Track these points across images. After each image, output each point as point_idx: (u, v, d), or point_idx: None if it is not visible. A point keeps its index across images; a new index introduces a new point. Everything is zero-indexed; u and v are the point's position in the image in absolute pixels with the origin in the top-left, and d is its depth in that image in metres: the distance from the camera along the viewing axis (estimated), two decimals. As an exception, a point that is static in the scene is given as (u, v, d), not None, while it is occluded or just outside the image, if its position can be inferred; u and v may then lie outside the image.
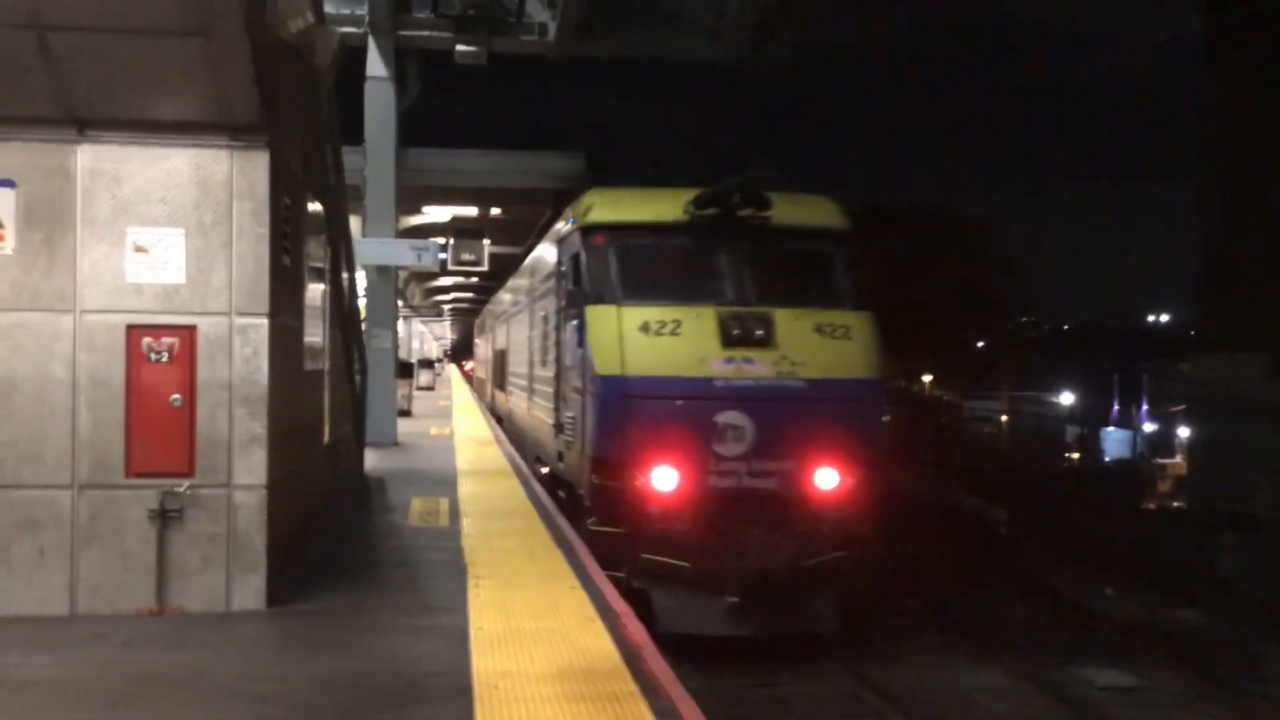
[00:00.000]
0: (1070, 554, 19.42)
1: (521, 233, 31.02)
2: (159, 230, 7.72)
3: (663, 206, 12.21)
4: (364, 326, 18.68)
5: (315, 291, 10.59)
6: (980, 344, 58.82)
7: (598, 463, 11.52)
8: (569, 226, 13.25)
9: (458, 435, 24.01)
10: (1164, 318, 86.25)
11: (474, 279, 41.95)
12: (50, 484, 7.66)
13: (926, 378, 55.17)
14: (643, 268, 11.96)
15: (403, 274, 30.50)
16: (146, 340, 7.70)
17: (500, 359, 25.28)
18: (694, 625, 10.86)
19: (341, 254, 12.59)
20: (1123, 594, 16.69)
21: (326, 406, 11.44)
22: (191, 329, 7.74)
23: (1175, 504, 28.19)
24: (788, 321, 11.62)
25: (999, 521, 20.98)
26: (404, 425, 23.86)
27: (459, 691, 6.30)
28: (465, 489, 15.00)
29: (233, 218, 7.79)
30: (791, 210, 12.34)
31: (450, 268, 26.28)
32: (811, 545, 11.14)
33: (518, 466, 18.24)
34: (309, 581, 8.86)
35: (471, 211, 25.75)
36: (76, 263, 7.68)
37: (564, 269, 13.42)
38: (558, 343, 13.83)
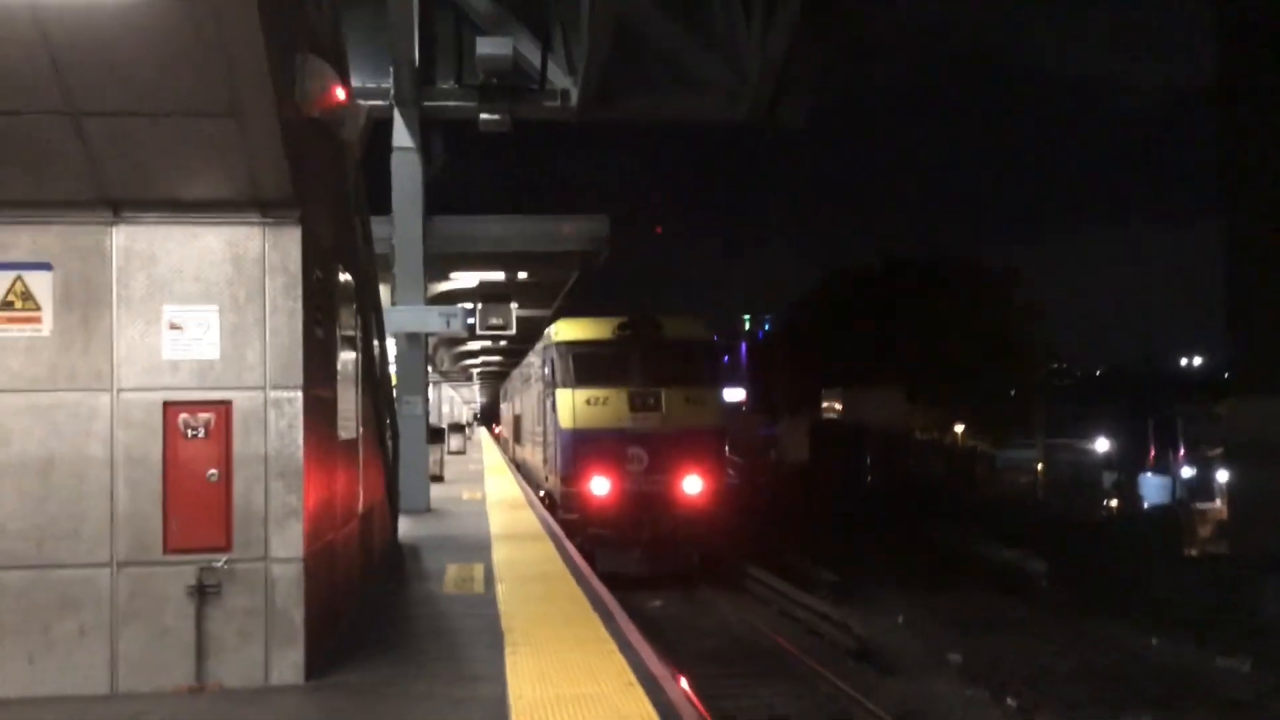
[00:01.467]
0: (1112, 603, 19.13)
1: (548, 296, 31.14)
2: (194, 307, 7.80)
3: (600, 329, 20.45)
4: (395, 393, 18.75)
5: (347, 361, 10.65)
6: (1011, 393, 58.47)
7: (562, 477, 20.02)
8: (546, 341, 21.96)
9: (490, 499, 23.96)
10: (1195, 361, 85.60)
11: (502, 342, 42.13)
12: (89, 562, 7.68)
13: (959, 428, 54.82)
14: (586, 366, 20.07)
15: (432, 340, 30.63)
16: (183, 416, 7.76)
17: (516, 421, 35.11)
18: (619, 567, 18.53)
19: (372, 323, 12.66)
20: (1166, 642, 16.42)
21: (360, 475, 11.46)
22: (227, 404, 7.79)
23: (1216, 550, 27.76)
24: (668, 395, 19.65)
25: (1038, 573, 20.71)
26: (436, 491, 23.83)
27: (499, 763, 6.23)
28: (499, 554, 14.94)
29: (266, 293, 7.87)
30: (674, 327, 20.54)
31: (479, 332, 26.44)
32: (681, 523, 19.24)
33: (551, 530, 18.17)
34: (346, 653, 8.83)
35: (499, 276, 25.86)
36: (113, 341, 7.76)
37: (545, 367, 22.01)
38: (542, 410, 22.51)
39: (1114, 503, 34.07)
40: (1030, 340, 58.73)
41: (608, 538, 18.92)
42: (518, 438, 34.26)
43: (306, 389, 7.93)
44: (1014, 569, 21.23)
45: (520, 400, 32.94)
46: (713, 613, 17.94)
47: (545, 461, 22.31)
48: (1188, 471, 40.05)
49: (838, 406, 53.51)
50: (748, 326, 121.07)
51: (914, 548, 25.73)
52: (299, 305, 7.90)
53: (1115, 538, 24.13)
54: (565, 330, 20.85)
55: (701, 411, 19.61)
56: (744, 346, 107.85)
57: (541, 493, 23.16)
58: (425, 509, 20.74)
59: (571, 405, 19.89)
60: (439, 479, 28.02)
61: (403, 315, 20.37)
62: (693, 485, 19.22)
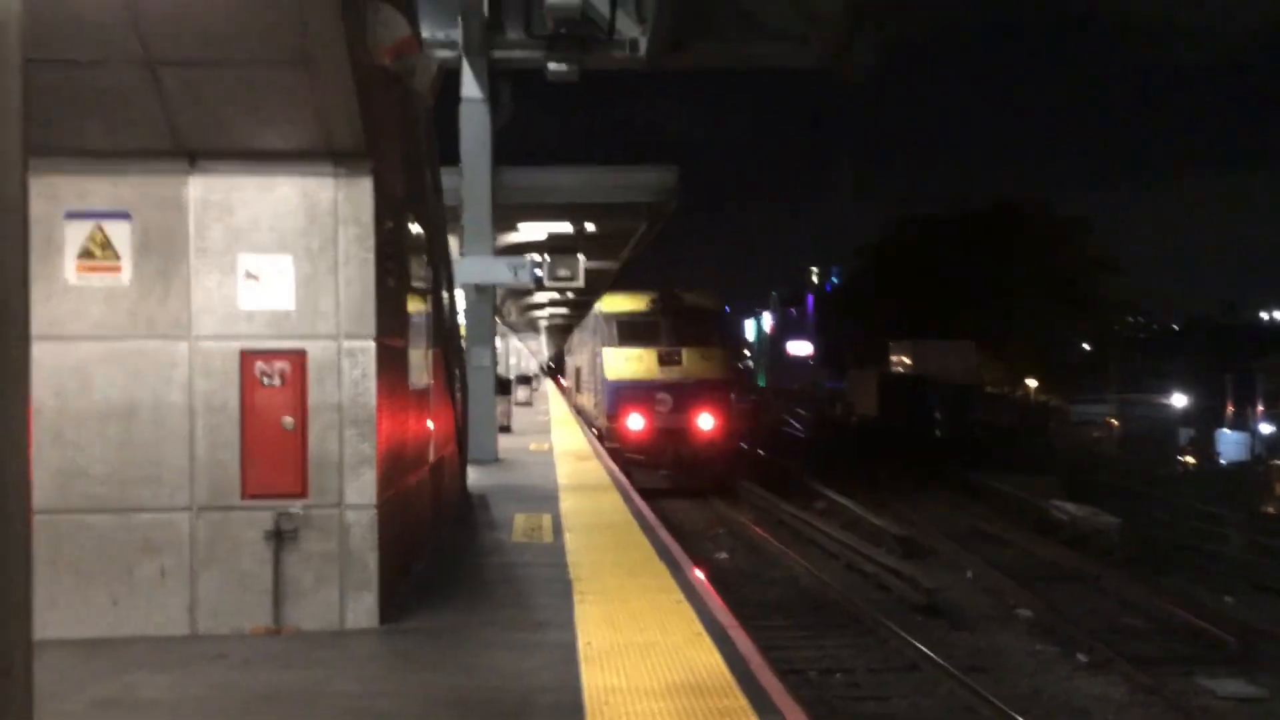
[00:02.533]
0: (1187, 560, 18.87)
1: (616, 247, 31.09)
2: (269, 257, 7.91)
3: (636, 302, 26.39)
4: (464, 344, 18.90)
5: (418, 312, 10.76)
6: (1086, 346, 57.55)
7: (607, 416, 25.86)
8: (596, 311, 28.57)
9: (557, 450, 24.17)
10: (1278, 314, 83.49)
11: (569, 294, 42.22)
12: (170, 507, 7.87)
13: (1031, 383, 54.11)
14: (626, 331, 25.91)
15: (500, 291, 30.80)
16: (259, 365, 7.89)
17: (577, 373, 40.82)
18: (650, 483, 23.36)
19: (442, 274, 12.76)
20: (1242, 600, 16.17)
21: (431, 425, 11.60)
22: (301, 353, 7.91)
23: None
24: (687, 353, 25.32)
25: (1111, 529, 20.47)
26: (504, 441, 24.07)
27: (570, 708, 6.32)
28: (567, 504, 15.08)
29: (338, 243, 7.95)
30: (692, 298, 26.11)
31: (546, 284, 26.47)
32: (699, 448, 25.01)
33: (618, 480, 18.30)
34: (418, 599, 8.98)
35: (567, 227, 25.87)
36: (190, 291, 7.90)
37: (595, 331, 28.70)
38: (594, 365, 29.07)
39: (1190, 459, 33.49)
40: (1105, 291, 57.70)
41: (641, 461, 24.99)
42: (578, 388, 40.42)
43: (379, 339, 8.03)
44: (1086, 524, 21.00)
45: (579, 356, 39.15)
46: (779, 565, 17.99)
47: (596, 405, 29.22)
48: (1266, 428, 39.23)
49: (906, 359, 53.06)
50: (815, 279, 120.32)
51: (983, 502, 25.55)
52: (371, 255, 7.98)
53: (1190, 494, 23.77)
54: (610, 304, 27.09)
55: (713, 366, 25.56)
56: (810, 299, 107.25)
57: (595, 430, 29.30)
58: (493, 459, 20.97)
59: (614, 361, 25.83)
60: (507, 430, 28.30)
61: (471, 266, 20.49)
62: (706, 422, 25.21)
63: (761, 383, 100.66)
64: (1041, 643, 13.59)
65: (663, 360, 25.23)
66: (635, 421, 25.12)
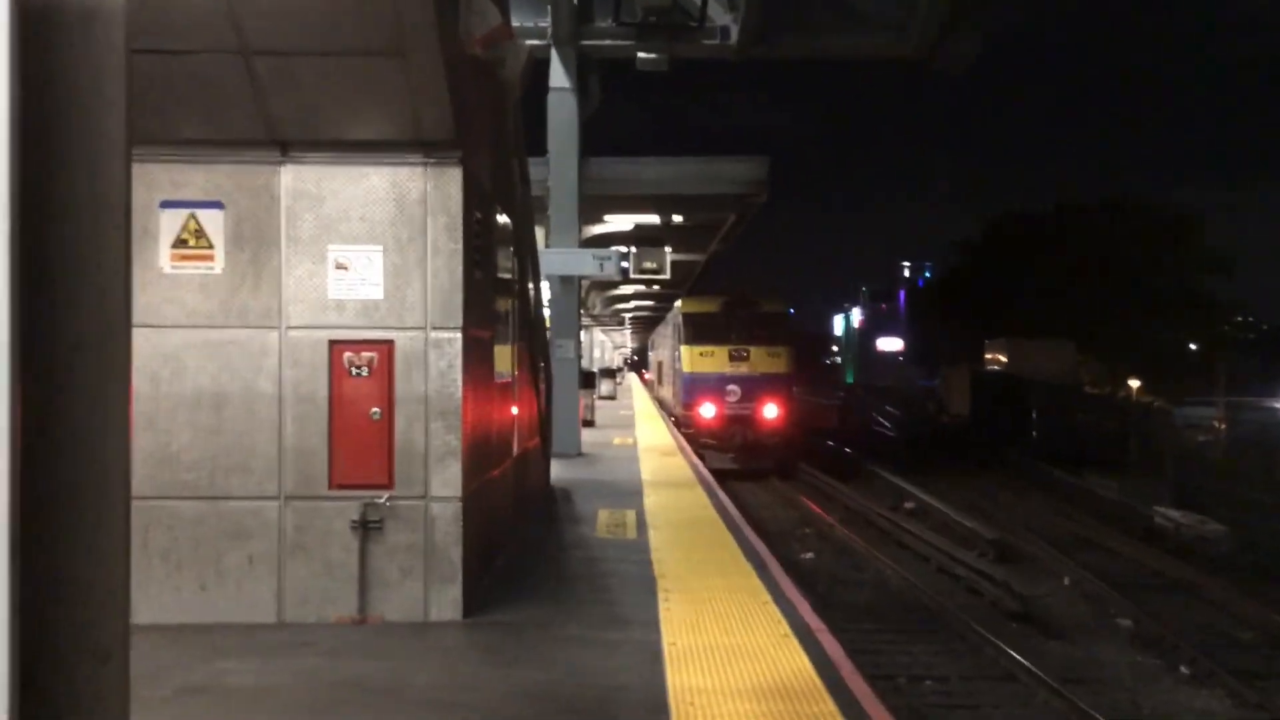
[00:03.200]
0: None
1: (703, 239, 31.11)
2: (359, 248, 8.04)
3: (710, 305, 29.18)
4: (548, 337, 19.04)
5: (504, 303, 10.85)
6: (1192, 346, 56.15)
7: (683, 405, 29.41)
8: (675, 311, 32.47)
9: (641, 445, 24.23)
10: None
11: (655, 287, 42.26)
12: (258, 495, 8.05)
13: (1134, 383, 52.95)
14: (701, 330, 28.65)
15: (585, 283, 30.97)
16: (347, 355, 8.03)
17: (659, 367, 44.80)
18: (719, 464, 25.46)
19: (528, 265, 12.86)
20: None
21: (515, 418, 11.70)
22: (389, 343, 8.03)
23: None
24: (754, 350, 28.21)
25: (1218, 537, 19.94)
26: (587, 435, 24.21)
27: (654, 708, 6.33)
28: (651, 500, 15.11)
29: (427, 233, 8.05)
30: (760, 302, 28.98)
31: (632, 276, 26.60)
32: (763, 434, 27.90)
33: (703, 477, 18.29)
34: (501, 593, 9.07)
35: (653, 219, 25.96)
36: (281, 280, 8.06)
37: (674, 329, 32.59)
38: (673, 359, 33.06)
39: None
40: (1214, 290, 56.22)
41: (712, 445, 27.81)
42: (660, 380, 44.88)
43: (465, 330, 8.11)
44: (1191, 531, 20.49)
45: (661, 351, 43.74)
46: (867, 567, 17.84)
47: (674, 395, 33.57)
48: (1386, 434, 37.97)
49: (1002, 358, 52.20)
50: (907, 273, 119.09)
51: (1081, 507, 25.07)
52: (459, 246, 8.06)
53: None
54: (687, 306, 30.45)
55: (777, 362, 28.85)
56: (902, 295, 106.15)
57: (672, 418, 33.69)
58: (576, 453, 21.10)
59: (690, 356, 29.13)
60: (590, 424, 28.48)
61: (557, 258, 20.62)
62: (769, 411, 28.37)
63: (850, 379, 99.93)
64: (1142, 654, 13.29)
65: (732, 356, 28.61)
66: (707, 410, 28.41)
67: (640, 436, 26.68)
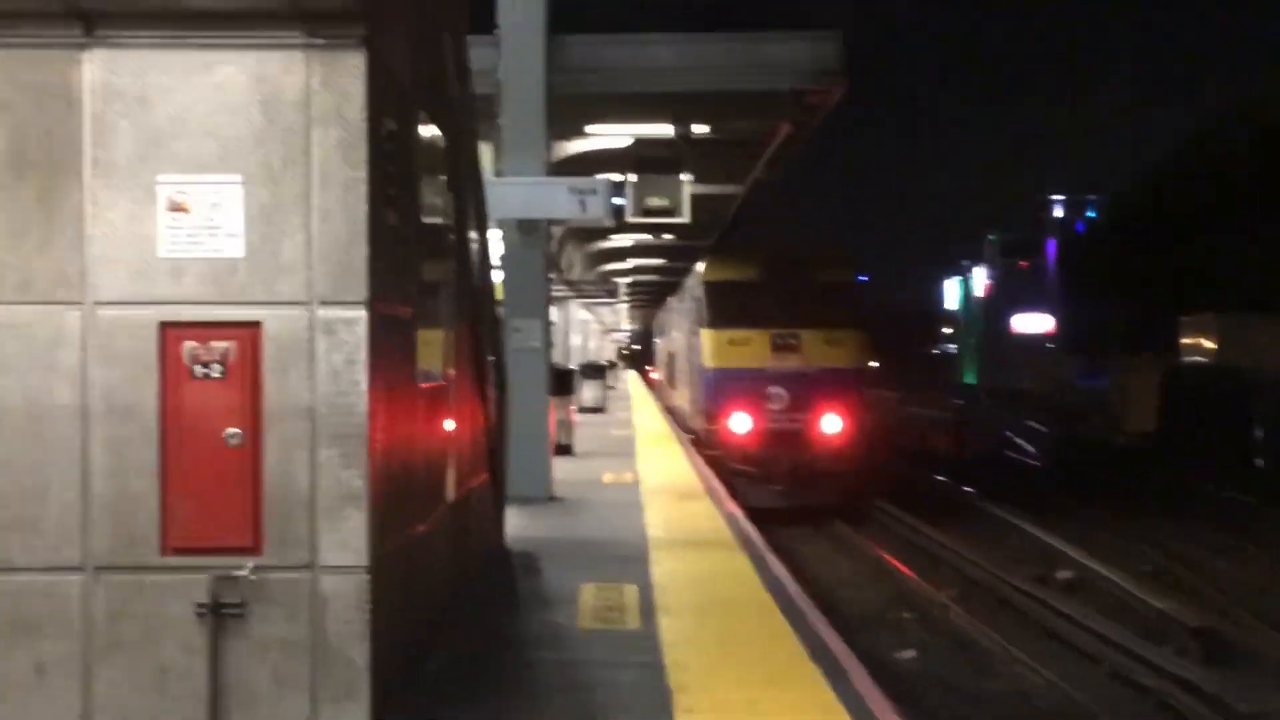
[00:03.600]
0: None
1: (741, 162, 30.97)
2: (205, 178, 7.96)
3: (746, 266, 32.13)
4: (501, 316, 19.00)
5: (435, 265, 10.82)
6: None
7: (705, 415, 32.02)
8: (695, 278, 35.44)
9: (646, 481, 24.19)
10: None
11: (666, 237, 42.11)
12: (51, 565, 7.97)
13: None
14: (731, 304, 31.51)
15: (556, 232, 30.91)
16: (189, 345, 7.97)
17: (669, 361, 48.10)
18: (757, 501, 26.81)
19: (469, 204, 12.83)
20: None
21: (453, 442, 11.67)
22: (254, 326, 7.97)
23: None
24: (809, 335, 30.57)
25: None
26: (563, 467, 24.18)
27: None
28: (662, 569, 15.09)
29: (312, 155, 7.98)
30: (820, 265, 31.88)
31: (630, 219, 26.45)
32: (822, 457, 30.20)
33: (742, 532, 18.27)
34: (433, 713, 9.04)
35: (664, 130, 25.81)
36: (85, 230, 7.99)
37: (692, 303, 35.34)
38: (690, 349, 36.12)
39: None
40: None
41: (748, 472, 28.96)
42: (671, 380, 47.63)
43: (374, 305, 8.06)
44: None
45: (672, 336, 46.38)
46: (1000, 671, 17.84)
47: (692, 402, 35.56)
48: None
49: (1208, 342, 52.01)
50: (1060, 214, 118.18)
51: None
52: (363, 174, 8.02)
53: None
54: (712, 269, 32.01)
55: (843, 352, 30.32)
56: (1052, 247, 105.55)
57: (690, 435, 34.87)
58: (546, 497, 21.12)
59: (715, 345, 30.64)
60: (566, 450, 28.50)
61: (514, 192, 20.57)
62: (831, 424, 29.66)
63: (970, 378, 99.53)
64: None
65: (777, 345, 30.25)
66: (740, 422, 30.02)
67: (644, 468, 26.66)
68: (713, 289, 31.94)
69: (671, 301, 51.89)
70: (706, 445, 31.29)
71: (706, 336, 31.70)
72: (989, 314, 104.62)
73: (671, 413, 46.25)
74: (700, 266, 34.59)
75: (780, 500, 28.77)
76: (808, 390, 30.17)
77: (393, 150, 8.78)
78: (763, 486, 29.02)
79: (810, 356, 30.39)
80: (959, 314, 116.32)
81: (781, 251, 32.46)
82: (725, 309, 31.12)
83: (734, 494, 24.47)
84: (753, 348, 30.56)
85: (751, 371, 30.29)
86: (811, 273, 31.21)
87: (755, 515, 21.45)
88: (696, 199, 27.82)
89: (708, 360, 31.25)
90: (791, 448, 29.69)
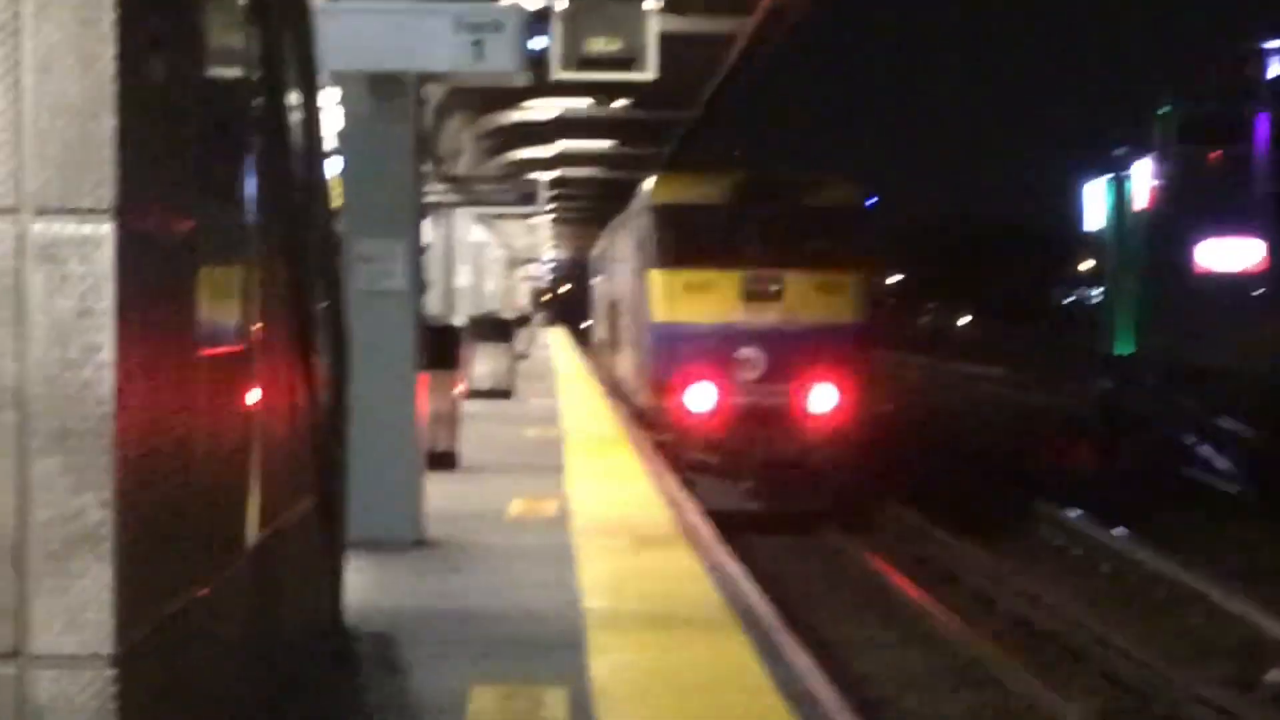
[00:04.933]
0: None
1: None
2: None
3: (712, 186, 37.74)
4: (341, 234, 18.89)
5: (229, 150, 10.72)
6: None
7: (653, 386, 37.89)
8: (641, 199, 42.10)
9: (582, 516, 24.22)
10: None
11: (621, 105, 42.15)
12: None
13: None
14: (689, 239, 37.02)
15: (434, 95, 31.00)
16: None
17: (611, 312, 55.67)
18: (723, 502, 32.03)
19: (284, 45, 12.74)
20: None
21: (257, 445, 11.57)
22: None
23: None
24: (793, 279, 36.51)
25: None
26: (442, 490, 24.19)
27: None
28: (610, 661, 15.14)
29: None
30: (810, 187, 38.05)
31: (559, 75, 26.41)
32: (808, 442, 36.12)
33: (741, 602, 18.23)
34: None
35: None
36: None
37: (638, 235, 42.53)
38: (635, 298, 43.81)
39: None
40: None
41: (709, 464, 33.16)
42: (612, 340, 53.51)
43: (128, 215, 7.99)
44: None
45: (613, 278, 53.31)
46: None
47: (638, 367, 40.74)
48: None
49: None
50: (1277, 71, 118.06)
51: None
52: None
53: None
54: (663, 189, 36.60)
55: (837, 302, 35.38)
56: (1263, 124, 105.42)
57: (636, 413, 40.99)
58: (413, 539, 21.12)
59: (665, 290, 35.46)
60: (448, 460, 28.68)
61: (360, 26, 20.62)
62: (822, 398, 34.40)
63: (1123, 346, 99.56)
64: None
65: (750, 291, 34.96)
66: (700, 396, 34.40)
67: (578, 492, 26.79)
68: (664, 215, 35.77)
69: (616, 225, 55.77)
70: (655, 427, 36.27)
71: (655, 279, 36.37)
72: (1157, 238, 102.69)
73: (616, 387, 50.51)
74: (648, 185, 38.24)
75: (752, 502, 32.92)
76: (792, 353, 34.73)
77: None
78: (728, 483, 32.21)
79: (796, 308, 35.13)
80: (1105, 239, 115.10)
81: (757, 171, 36.37)
82: (680, 243, 35.67)
83: (691, 489, 28.02)
84: (718, 295, 35.16)
85: (716, 328, 34.87)
86: (799, 196, 36.13)
87: (719, 517, 24.33)
88: (670, 41, 27.81)
89: (656, 312, 35.79)
90: (769, 430, 34.12)
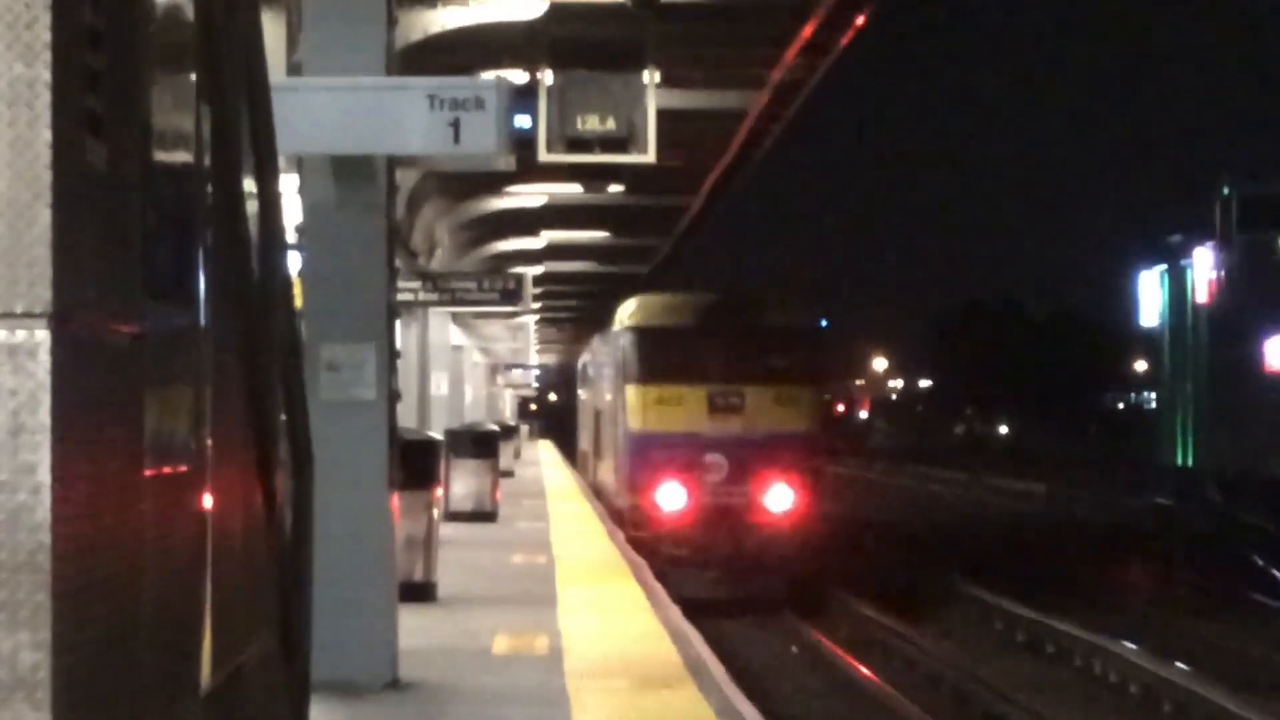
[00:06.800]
0: None
1: (758, 50, 31.20)
2: None
3: (679, 309, 47.92)
4: (304, 337, 18.85)
5: (178, 243, 10.69)
6: None
7: (629, 487, 47.30)
8: (617, 324, 51.20)
9: (576, 656, 24.13)
10: None
11: (616, 191, 42.28)
12: None
13: None
14: (660, 355, 45.41)
15: (406, 181, 31.06)
16: None
17: (595, 421, 63.74)
18: (693, 591, 41.12)
19: (240, 125, 12.71)
20: None
21: (211, 577, 11.49)
22: None
23: None
24: (754, 393, 45.20)
25: None
26: (418, 625, 24.12)
27: None
28: None
29: (-56, 34, 7.90)
30: (768, 306, 47.79)
31: (546, 157, 26.46)
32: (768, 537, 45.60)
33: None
34: None
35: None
36: None
37: (614, 353, 54.65)
38: (614, 408, 54.41)
39: None
40: None
41: (680, 556, 38.76)
42: (596, 449, 63.04)
43: (66, 319, 7.93)
44: None
45: (595, 389, 63.20)
46: None
47: (616, 471, 47.70)
48: None
49: None
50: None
51: None
52: (43, 71, 7.91)
53: None
54: (636, 312, 42.21)
55: (794, 414, 41.71)
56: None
57: (615, 516, 46.73)
58: (384, 681, 21.02)
59: (639, 403, 41.15)
60: (424, 592, 28.58)
61: (324, 103, 20.63)
62: (779, 499, 40.48)
63: (1182, 455, 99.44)
64: None
65: (716, 405, 40.67)
66: (670, 495, 39.58)
67: (571, 627, 26.67)
68: (638, 336, 41.91)
69: (597, 343, 66.13)
70: (631, 525, 41.04)
71: (630, 393, 41.85)
72: (1219, 335, 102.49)
73: (600, 494, 59.58)
74: (623, 310, 44.82)
75: (718, 590, 37.52)
76: (752, 459, 40.45)
77: (97, 30, 8.67)
78: (697, 573, 37.82)
79: (755, 419, 41.05)
80: (1160, 336, 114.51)
81: (722, 295, 42.80)
82: (653, 361, 41.36)
83: (664, 581, 32.37)
84: (687, 407, 41.10)
85: (684, 436, 40.58)
86: (760, 316, 41.60)
87: (689, 605, 27.91)
88: (668, 117, 27.82)
89: (632, 422, 41.15)
90: (732, 526, 39.50)
